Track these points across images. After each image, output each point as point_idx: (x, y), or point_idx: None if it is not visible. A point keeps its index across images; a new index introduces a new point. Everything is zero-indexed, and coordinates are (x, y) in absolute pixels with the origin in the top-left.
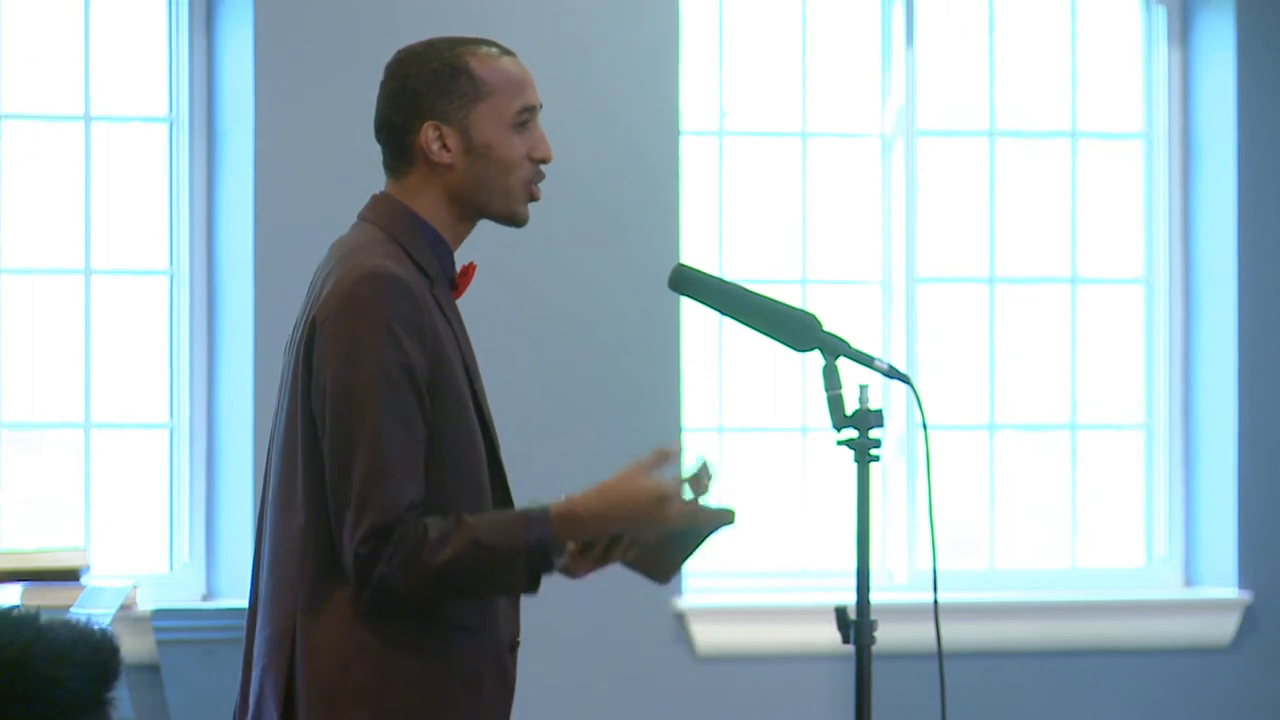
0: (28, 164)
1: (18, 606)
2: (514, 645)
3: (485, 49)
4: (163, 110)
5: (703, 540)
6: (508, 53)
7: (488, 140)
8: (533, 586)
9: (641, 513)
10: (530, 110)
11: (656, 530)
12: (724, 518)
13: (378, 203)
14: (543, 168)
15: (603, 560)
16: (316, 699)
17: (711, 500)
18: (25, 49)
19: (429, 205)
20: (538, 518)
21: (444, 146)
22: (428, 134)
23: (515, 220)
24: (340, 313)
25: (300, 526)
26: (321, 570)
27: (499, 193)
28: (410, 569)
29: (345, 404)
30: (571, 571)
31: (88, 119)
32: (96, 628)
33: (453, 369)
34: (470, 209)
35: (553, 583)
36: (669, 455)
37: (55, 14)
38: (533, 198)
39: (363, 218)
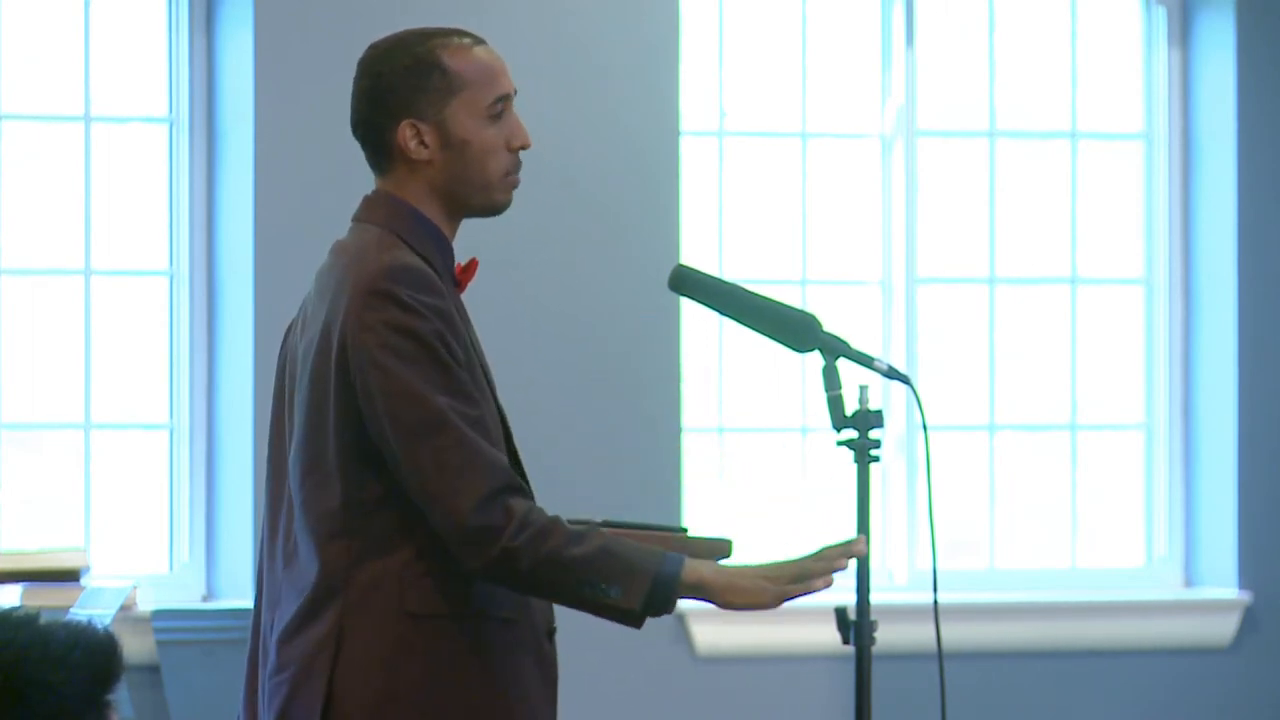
0: (28, 164)
1: (18, 608)
2: (551, 632)
3: (457, 40)
4: (163, 110)
5: None
6: (480, 42)
7: (464, 135)
8: (643, 613)
9: (761, 584)
10: (505, 99)
11: (769, 600)
12: (720, 549)
13: (373, 203)
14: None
15: None
16: (363, 701)
17: (717, 533)
18: (25, 49)
19: (416, 199)
20: (674, 557)
21: (421, 144)
22: (404, 132)
23: (496, 209)
24: (369, 313)
25: (339, 528)
26: (365, 570)
27: (478, 186)
28: (539, 552)
29: (406, 396)
30: None
31: (88, 119)
32: (97, 630)
33: (471, 359)
34: (452, 203)
35: None
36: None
37: (55, 14)
38: (513, 187)
39: (360, 219)
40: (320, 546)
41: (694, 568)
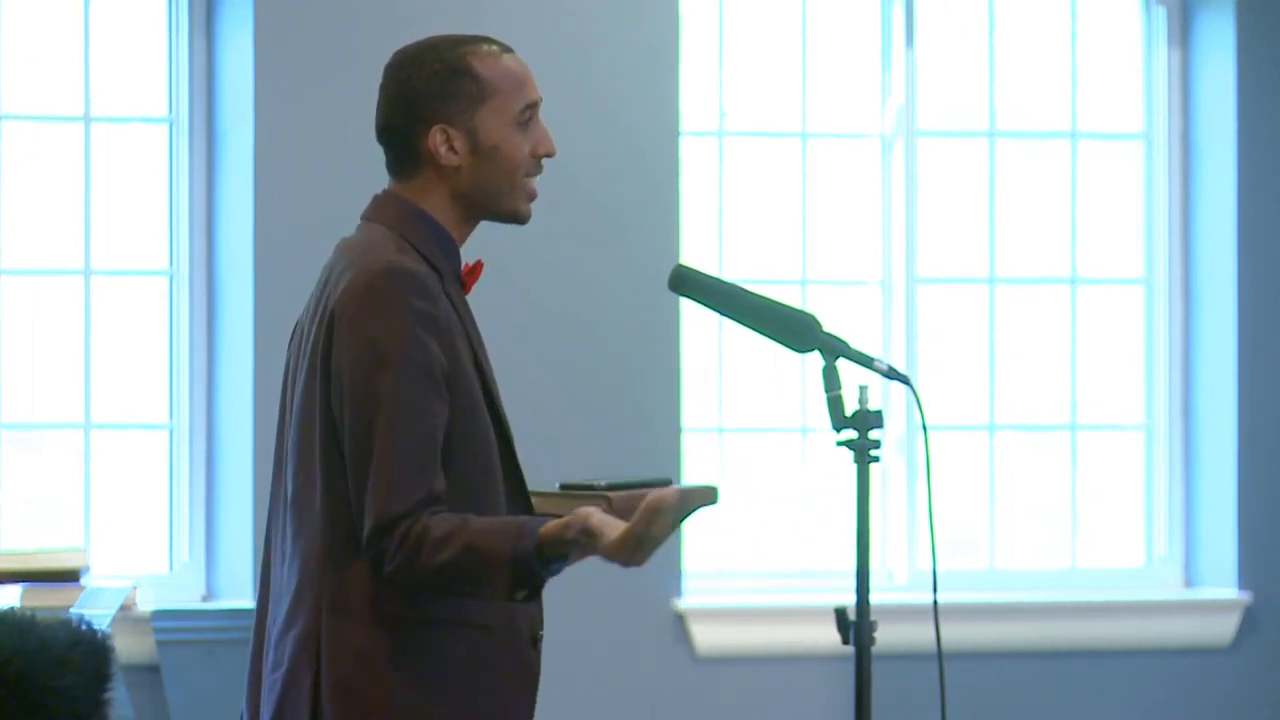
0: (28, 164)
1: (12, 609)
2: (536, 639)
3: (485, 47)
4: (163, 110)
5: (683, 520)
6: (507, 50)
7: (494, 142)
8: (515, 595)
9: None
10: (533, 106)
11: (633, 553)
12: (707, 496)
13: (383, 203)
14: (544, 163)
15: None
16: (341, 699)
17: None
18: (25, 49)
19: (434, 205)
20: (529, 530)
21: (451, 149)
22: (435, 138)
23: (518, 218)
24: (357, 309)
25: (320, 525)
26: (342, 569)
27: (505, 193)
28: (414, 567)
29: (363, 402)
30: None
31: (88, 119)
32: (89, 629)
33: (464, 364)
34: (475, 209)
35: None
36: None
37: (55, 14)
38: (532, 196)
39: (368, 218)
40: (306, 543)
41: (551, 541)
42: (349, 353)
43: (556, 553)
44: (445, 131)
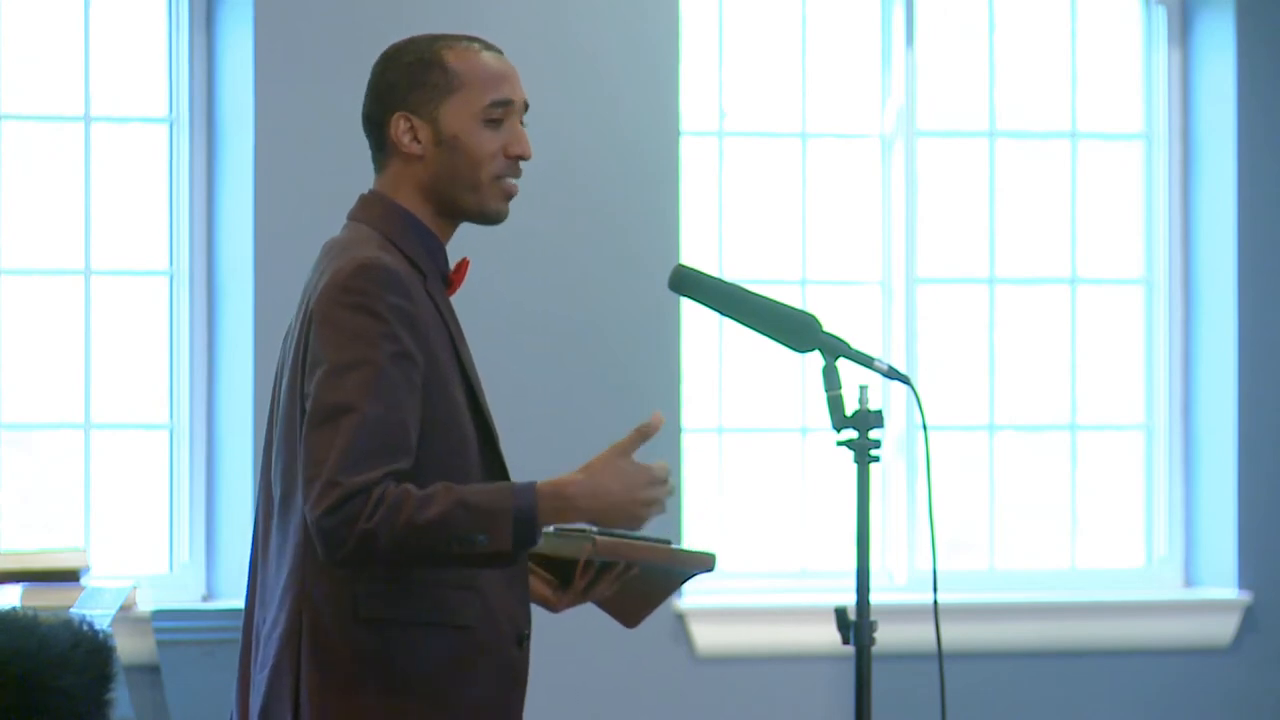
0: (28, 164)
1: (14, 609)
2: (522, 638)
3: (465, 43)
4: (163, 110)
5: (680, 585)
6: (490, 48)
7: (455, 133)
8: (516, 551)
9: (625, 498)
10: (505, 105)
11: (633, 520)
12: (704, 562)
13: (367, 202)
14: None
15: (584, 595)
16: (320, 700)
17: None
18: (25, 49)
19: (407, 198)
20: (524, 488)
21: (414, 138)
22: (398, 125)
23: (488, 217)
24: (334, 304)
25: (302, 526)
26: (324, 571)
27: (468, 186)
28: (394, 525)
29: (332, 388)
30: (553, 606)
31: (88, 119)
32: (91, 629)
33: (442, 364)
34: (443, 203)
35: None
36: (648, 432)
37: (55, 14)
38: (508, 195)
39: (353, 218)
40: (290, 544)
41: (545, 484)
42: (323, 350)
43: (556, 505)
44: (408, 119)
